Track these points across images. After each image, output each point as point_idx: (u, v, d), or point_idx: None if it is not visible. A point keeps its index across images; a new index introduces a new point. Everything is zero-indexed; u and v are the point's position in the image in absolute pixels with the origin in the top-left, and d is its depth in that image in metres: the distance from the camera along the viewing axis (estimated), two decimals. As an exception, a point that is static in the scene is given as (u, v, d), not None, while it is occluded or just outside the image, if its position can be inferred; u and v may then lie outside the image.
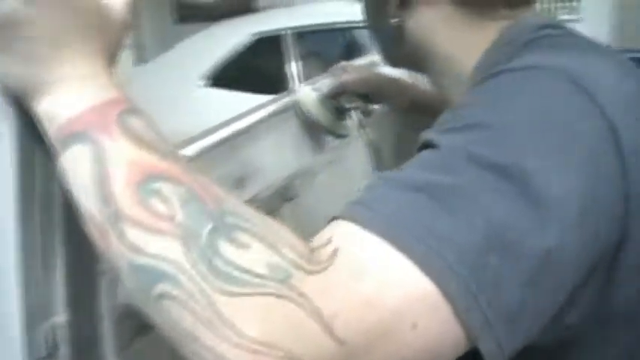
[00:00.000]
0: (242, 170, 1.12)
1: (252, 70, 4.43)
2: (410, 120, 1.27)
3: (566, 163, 0.58)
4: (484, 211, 0.54)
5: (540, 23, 0.76)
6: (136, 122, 0.57)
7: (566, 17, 4.52)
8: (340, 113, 1.35)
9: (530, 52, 0.70)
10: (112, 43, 0.61)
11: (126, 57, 7.39)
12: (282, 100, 1.34)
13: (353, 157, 1.75)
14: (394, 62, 0.98)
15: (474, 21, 0.79)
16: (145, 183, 0.52)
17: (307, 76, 4.13)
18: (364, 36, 3.94)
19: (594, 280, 0.61)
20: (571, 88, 0.63)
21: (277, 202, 1.32)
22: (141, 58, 7.42)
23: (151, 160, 0.54)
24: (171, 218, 0.51)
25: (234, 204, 0.55)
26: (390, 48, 0.94)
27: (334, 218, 0.57)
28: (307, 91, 1.36)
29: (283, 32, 4.33)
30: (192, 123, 3.72)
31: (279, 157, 1.27)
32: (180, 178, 0.53)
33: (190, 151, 1.01)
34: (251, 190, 1.13)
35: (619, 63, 0.72)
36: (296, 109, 1.35)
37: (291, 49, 4.32)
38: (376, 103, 1.34)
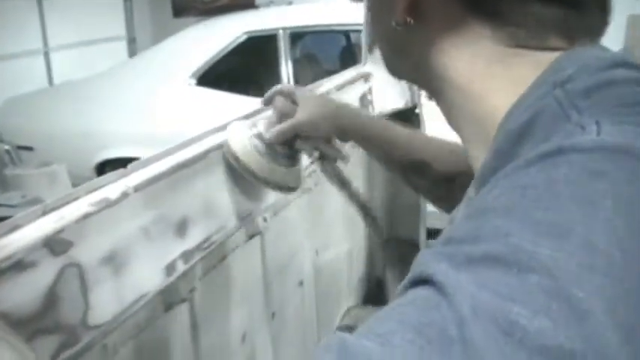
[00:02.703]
0: (187, 210, 0.93)
1: (244, 70, 4.26)
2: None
3: None
4: None
5: (608, 58, 0.51)
6: None
7: None
8: (289, 159, 1.04)
9: (602, 113, 0.45)
10: None
11: (121, 49, 7.30)
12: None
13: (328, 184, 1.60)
14: (398, 76, 0.71)
15: (509, 48, 0.54)
16: None
17: (300, 79, 3.97)
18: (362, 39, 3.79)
19: None
20: None
21: (239, 240, 1.14)
22: (135, 52, 7.28)
23: None
24: None
25: None
26: (392, 59, 0.69)
27: None
28: (241, 135, 1.03)
29: (276, 32, 4.14)
30: (182, 125, 3.64)
31: (239, 190, 1.08)
32: None
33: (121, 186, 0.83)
34: (198, 236, 0.94)
35: None
36: (225, 156, 1.04)
37: (284, 49, 4.13)
38: (342, 140, 1.04)
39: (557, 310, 0.35)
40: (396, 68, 0.70)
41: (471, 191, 0.51)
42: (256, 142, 1.01)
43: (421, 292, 0.40)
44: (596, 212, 0.39)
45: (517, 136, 0.48)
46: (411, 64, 0.63)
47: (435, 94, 0.63)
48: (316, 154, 1.03)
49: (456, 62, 0.57)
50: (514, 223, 0.40)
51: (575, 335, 0.35)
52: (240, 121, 1.08)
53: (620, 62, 0.50)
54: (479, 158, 0.54)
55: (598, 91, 0.47)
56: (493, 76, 0.55)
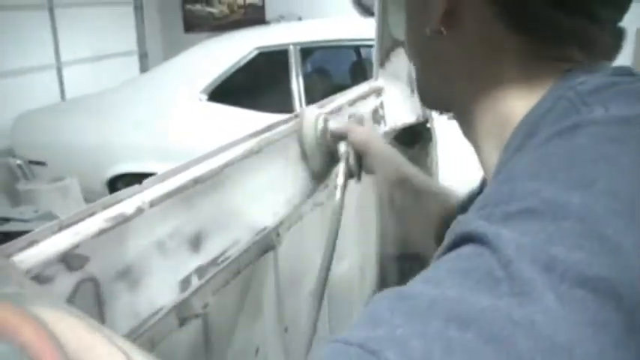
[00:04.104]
0: (202, 226, 0.94)
1: (255, 86, 4.28)
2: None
3: None
4: None
5: (615, 68, 0.58)
6: None
7: None
8: (329, 157, 1.23)
9: (610, 101, 0.51)
10: None
11: (132, 64, 7.34)
12: (265, 136, 1.15)
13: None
14: (427, 92, 0.74)
15: (532, 56, 0.58)
16: None
17: (311, 94, 3.97)
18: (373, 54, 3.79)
19: None
20: None
21: (253, 255, 1.14)
22: (147, 66, 7.32)
23: None
24: None
25: None
26: (423, 70, 0.73)
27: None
28: (315, 113, 1.23)
29: (287, 47, 4.15)
30: (193, 140, 3.65)
31: (253, 205, 1.08)
32: None
33: (139, 199, 0.83)
34: (212, 251, 0.95)
35: None
36: (298, 128, 1.23)
37: (295, 65, 4.14)
38: (366, 171, 1.22)
39: (590, 246, 0.40)
40: (426, 82, 0.74)
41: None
42: (322, 127, 1.21)
43: (462, 250, 0.44)
44: (616, 167, 0.44)
45: (528, 132, 0.53)
46: (440, 75, 0.68)
47: (458, 106, 0.67)
48: (345, 162, 1.19)
49: (482, 70, 0.61)
50: (543, 183, 0.44)
51: (609, 266, 0.39)
52: (315, 108, 1.26)
53: (625, 71, 0.57)
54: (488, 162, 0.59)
55: (605, 89, 0.52)
56: (515, 83, 0.59)
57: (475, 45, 0.61)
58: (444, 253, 0.45)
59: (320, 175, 1.27)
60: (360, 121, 1.25)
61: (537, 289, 0.38)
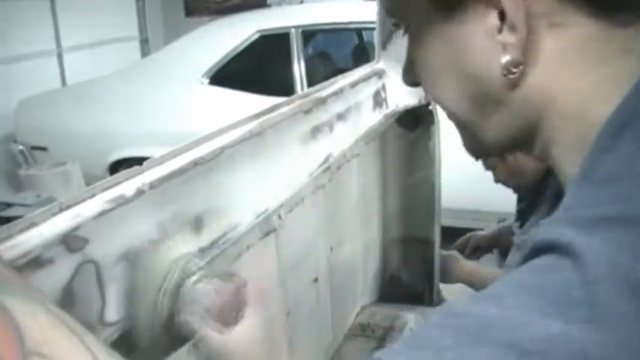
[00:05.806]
0: (203, 208, 0.93)
1: (256, 69, 4.25)
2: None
3: None
4: None
5: None
6: None
7: None
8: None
9: None
10: None
11: (133, 49, 7.32)
12: (266, 118, 1.14)
13: (345, 180, 1.58)
14: (488, 144, 0.59)
15: (604, 36, 0.47)
16: None
17: (313, 78, 3.95)
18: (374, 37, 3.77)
19: None
20: None
21: (254, 238, 1.14)
22: (148, 52, 7.30)
23: None
24: None
25: None
26: (481, 123, 0.57)
27: None
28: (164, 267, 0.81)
29: (289, 30, 4.13)
30: (195, 124, 3.64)
31: (254, 188, 1.07)
32: None
33: (140, 181, 0.82)
34: (213, 233, 0.94)
35: None
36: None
37: (296, 48, 4.12)
38: None
39: None
40: (484, 133, 0.58)
41: None
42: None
43: (538, 261, 0.38)
44: None
45: (615, 132, 0.44)
46: (502, 115, 0.55)
47: (529, 139, 0.55)
48: None
49: (562, 78, 0.50)
50: (633, 188, 0.39)
51: None
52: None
53: None
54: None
55: None
56: (600, 79, 0.49)
57: (557, 52, 0.49)
58: (520, 265, 0.40)
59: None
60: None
61: (622, 320, 0.33)
